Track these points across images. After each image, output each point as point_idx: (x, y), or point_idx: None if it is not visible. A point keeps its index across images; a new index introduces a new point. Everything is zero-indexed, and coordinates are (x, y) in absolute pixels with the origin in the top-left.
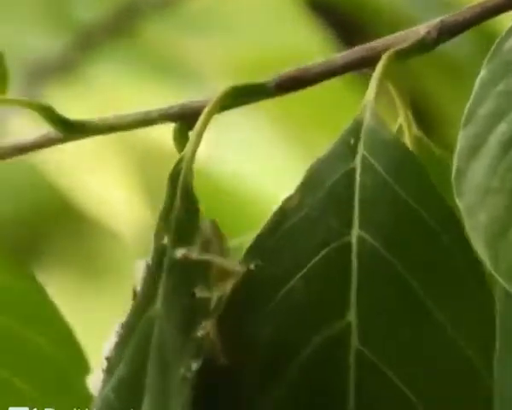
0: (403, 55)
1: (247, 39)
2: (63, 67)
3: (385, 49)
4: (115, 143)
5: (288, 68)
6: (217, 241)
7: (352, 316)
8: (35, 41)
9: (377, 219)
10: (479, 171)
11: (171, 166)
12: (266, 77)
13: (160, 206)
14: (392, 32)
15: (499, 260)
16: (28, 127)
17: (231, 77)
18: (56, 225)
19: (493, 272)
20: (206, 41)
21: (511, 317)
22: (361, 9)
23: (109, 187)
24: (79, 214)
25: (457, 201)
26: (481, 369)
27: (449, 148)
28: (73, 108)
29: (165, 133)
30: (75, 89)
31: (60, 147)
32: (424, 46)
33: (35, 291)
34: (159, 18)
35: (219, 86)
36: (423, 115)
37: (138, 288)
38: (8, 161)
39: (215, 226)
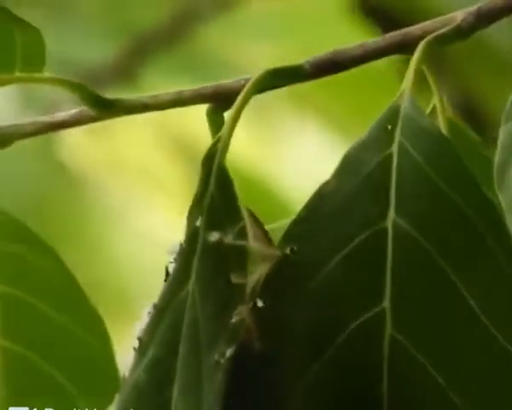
0: (440, 41)
1: (304, 44)
2: (119, 73)
3: (422, 35)
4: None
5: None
6: (254, 228)
7: (386, 302)
8: (91, 46)
9: (413, 206)
10: None
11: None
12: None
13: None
14: None
15: None
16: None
17: None
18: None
19: None
20: (262, 46)
21: None
22: (413, 14)
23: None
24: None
25: (499, 194)
26: None
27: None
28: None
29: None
30: (131, 95)
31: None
32: (461, 32)
33: (62, 273)
34: (215, 23)
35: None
36: (472, 112)
37: (170, 269)
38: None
39: (251, 213)
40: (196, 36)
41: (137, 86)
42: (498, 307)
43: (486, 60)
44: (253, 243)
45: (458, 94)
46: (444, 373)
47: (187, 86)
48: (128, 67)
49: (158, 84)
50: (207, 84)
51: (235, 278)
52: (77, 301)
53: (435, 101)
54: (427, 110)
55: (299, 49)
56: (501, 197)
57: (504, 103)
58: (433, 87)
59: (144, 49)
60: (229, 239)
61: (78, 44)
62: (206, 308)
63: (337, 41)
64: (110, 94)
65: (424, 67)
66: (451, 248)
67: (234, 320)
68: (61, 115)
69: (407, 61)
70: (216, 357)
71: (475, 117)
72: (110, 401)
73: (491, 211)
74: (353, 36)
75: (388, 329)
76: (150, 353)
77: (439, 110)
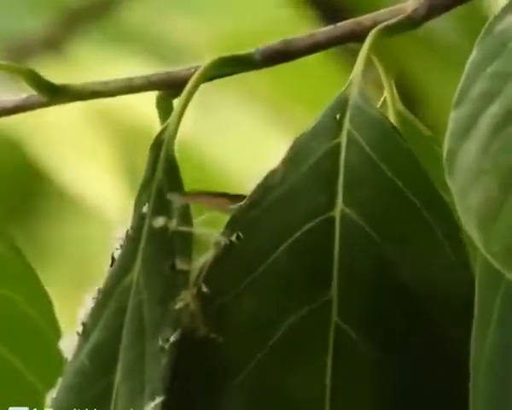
0: (390, 31)
1: (232, 17)
2: (48, 45)
3: (372, 25)
4: (100, 124)
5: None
6: (206, 200)
7: (333, 291)
8: (20, 19)
9: (361, 196)
10: (470, 152)
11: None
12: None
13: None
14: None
15: (491, 242)
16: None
17: (215, 54)
18: (36, 203)
19: (485, 253)
20: (190, 19)
21: (490, 293)
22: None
23: (92, 167)
24: (60, 192)
25: (449, 182)
26: (454, 344)
27: (432, 128)
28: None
29: (149, 112)
30: (58, 68)
31: (43, 123)
32: (412, 23)
33: (10, 251)
34: None
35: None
36: (407, 95)
37: (116, 255)
38: None
39: (196, 191)
40: (125, 8)
41: (66, 58)
42: (444, 294)
43: (429, 53)
44: (197, 230)
45: (400, 87)
46: (390, 362)
47: (114, 59)
48: (57, 39)
49: (86, 56)
50: (134, 58)
51: (179, 264)
52: (26, 279)
53: (386, 93)
54: (378, 102)
55: (228, 21)
56: (450, 184)
57: (446, 90)
58: (384, 78)
59: (73, 22)
60: (173, 225)
61: (5, 19)
62: (150, 294)
63: (268, 14)
64: (39, 66)
65: (374, 58)
66: (398, 237)
67: (178, 306)
68: (11, 100)
69: (356, 52)
70: (160, 342)
71: (412, 102)
72: (52, 385)
73: (439, 201)
74: (286, 10)
75: (334, 317)
76: (94, 338)
77: (389, 102)
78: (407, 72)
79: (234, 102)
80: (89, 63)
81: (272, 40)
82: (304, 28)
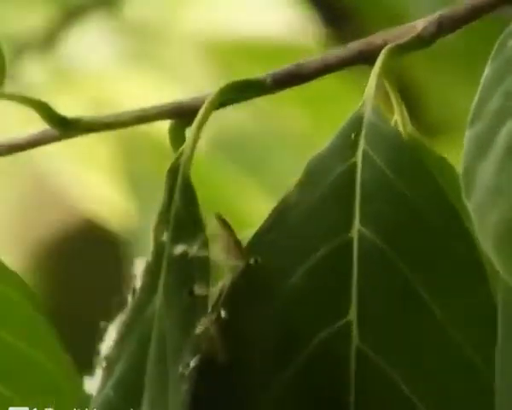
0: (401, 50)
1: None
2: (44, 42)
3: (382, 45)
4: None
5: (283, 63)
6: (224, 235)
7: (352, 313)
8: (16, 16)
9: (378, 215)
10: (487, 171)
11: (157, 155)
12: (257, 66)
13: (156, 201)
14: (388, 26)
15: (510, 263)
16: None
17: (212, 51)
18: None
19: (503, 274)
20: (189, 14)
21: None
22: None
23: (95, 176)
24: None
25: (466, 201)
26: (481, 367)
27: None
28: (53, 84)
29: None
30: (55, 63)
31: None
32: (422, 41)
33: (26, 300)
34: None
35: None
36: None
37: (137, 285)
38: None
39: (221, 220)
40: (121, 3)
41: (61, 52)
42: (465, 317)
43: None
44: (217, 254)
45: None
46: (412, 386)
47: (114, 53)
48: (55, 34)
49: (85, 52)
50: (130, 53)
51: (197, 290)
52: (38, 328)
53: (396, 114)
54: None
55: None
56: (468, 204)
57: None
58: (394, 101)
59: (71, 17)
60: (192, 251)
61: (2, 14)
62: (172, 322)
63: (274, 21)
64: (34, 63)
65: (385, 81)
66: (417, 257)
67: (197, 331)
68: (24, 138)
69: (366, 72)
70: (180, 369)
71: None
72: None
73: (457, 220)
74: (292, 21)
75: (355, 341)
76: (118, 370)
77: (400, 124)
78: (406, 73)
79: (246, 125)
80: (87, 59)
81: (277, 50)
82: (310, 40)
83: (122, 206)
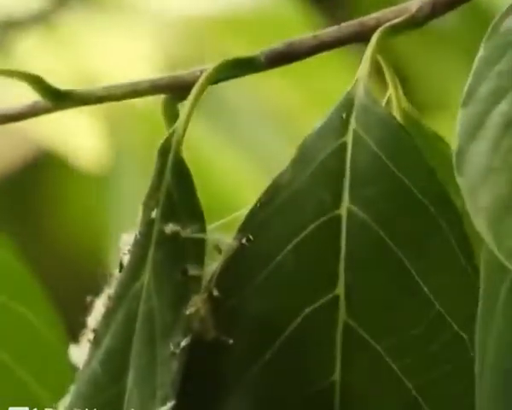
0: (395, 30)
1: None
2: (36, 19)
3: (376, 25)
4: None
5: (276, 41)
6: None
7: (340, 289)
8: None
9: (367, 194)
10: (480, 151)
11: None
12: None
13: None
14: (382, 6)
15: (503, 240)
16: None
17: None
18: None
19: (496, 252)
20: None
21: (495, 285)
22: None
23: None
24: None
25: (458, 181)
26: (468, 343)
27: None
28: (44, 57)
29: None
30: (47, 40)
31: None
32: (416, 22)
33: (18, 264)
34: None
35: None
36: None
37: (125, 260)
38: None
39: None
40: None
41: (55, 30)
42: (452, 294)
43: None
44: (209, 235)
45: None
46: (399, 362)
47: (102, 30)
48: (46, 11)
49: (75, 28)
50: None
51: (191, 270)
52: (32, 294)
53: (390, 91)
54: (383, 101)
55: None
56: (460, 183)
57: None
58: (389, 77)
59: None
60: (186, 232)
61: None
62: (161, 299)
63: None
64: (25, 38)
65: (379, 58)
66: (405, 234)
67: (189, 311)
68: (16, 108)
69: (361, 52)
70: (171, 347)
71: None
72: (64, 392)
73: (446, 199)
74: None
75: (342, 316)
76: (105, 344)
77: (394, 101)
78: (398, 54)
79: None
80: (77, 35)
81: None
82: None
83: (98, 148)
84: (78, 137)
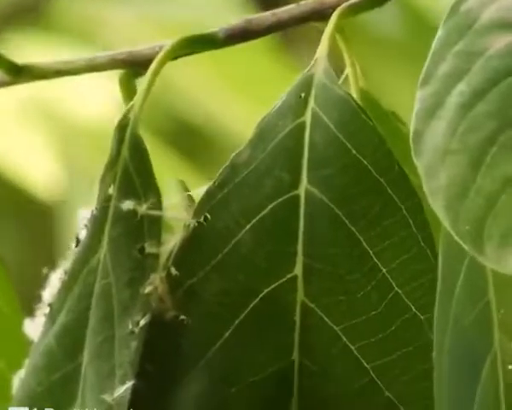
0: (355, 9)
1: (172, 7)
2: (23, 9)
3: (335, 4)
4: (39, 114)
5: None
6: (183, 199)
7: (298, 269)
8: None
9: (326, 174)
10: (437, 132)
11: (93, 140)
12: None
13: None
14: None
15: (460, 222)
16: None
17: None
18: None
19: (454, 233)
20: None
21: (454, 266)
22: None
23: (31, 154)
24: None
25: (416, 162)
26: (424, 325)
27: None
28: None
29: (91, 110)
30: (35, 29)
31: None
32: (375, 1)
33: None
34: None
35: None
36: None
37: (82, 235)
38: None
39: (181, 184)
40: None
41: (41, 22)
42: (409, 272)
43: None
44: (166, 213)
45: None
46: (356, 340)
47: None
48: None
49: (22, 48)
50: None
51: (148, 248)
52: None
53: (348, 70)
54: (340, 79)
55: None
56: (417, 163)
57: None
58: (347, 56)
59: (6, 16)
60: (143, 209)
61: None
62: (118, 277)
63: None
64: (14, 31)
65: (338, 36)
66: (363, 215)
67: (147, 290)
68: None
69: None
70: (130, 326)
71: None
72: (19, 366)
73: (403, 179)
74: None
75: (300, 296)
76: (61, 319)
77: (351, 80)
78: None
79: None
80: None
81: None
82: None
83: (52, 175)
84: (31, 159)
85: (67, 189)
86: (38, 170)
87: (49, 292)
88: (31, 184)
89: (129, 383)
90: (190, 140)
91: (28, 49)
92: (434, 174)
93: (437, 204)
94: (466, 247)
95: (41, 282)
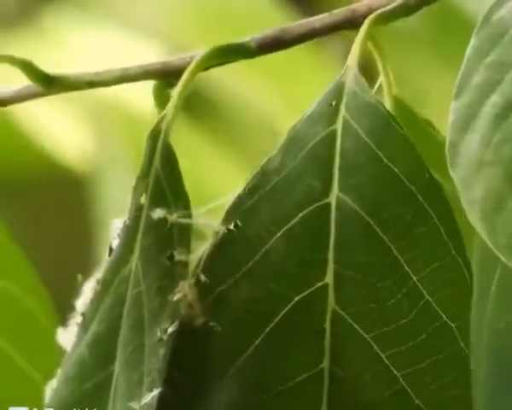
0: (386, 17)
1: None
2: (20, 18)
3: (366, 12)
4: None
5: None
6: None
7: (329, 277)
8: None
9: (357, 182)
10: (472, 143)
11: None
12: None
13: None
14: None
15: (498, 234)
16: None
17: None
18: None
19: (491, 245)
20: None
21: (487, 275)
22: None
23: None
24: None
25: (451, 173)
26: (456, 333)
27: None
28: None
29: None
30: (32, 39)
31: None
32: (408, 9)
33: (3, 239)
34: None
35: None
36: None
37: (114, 245)
38: None
39: None
40: None
41: (40, 29)
42: (442, 283)
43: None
44: (196, 221)
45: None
46: (387, 348)
47: (89, 25)
48: (30, 10)
49: (59, 27)
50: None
51: (178, 255)
52: (20, 269)
53: (381, 78)
54: (374, 87)
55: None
56: (453, 175)
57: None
58: (380, 64)
59: None
60: (173, 217)
61: None
62: (149, 285)
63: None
64: (13, 37)
65: (370, 44)
66: (394, 223)
67: (176, 297)
68: (6, 92)
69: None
70: (158, 333)
71: None
72: (51, 376)
73: (434, 187)
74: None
75: (331, 304)
76: (93, 329)
77: (385, 88)
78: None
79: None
80: (62, 33)
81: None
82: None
83: (84, 148)
84: (63, 134)
85: (99, 161)
86: (71, 142)
87: (82, 301)
88: (63, 155)
89: (156, 391)
90: (228, 131)
91: (63, 27)
92: (470, 186)
93: (473, 215)
94: (501, 257)
95: (73, 248)
